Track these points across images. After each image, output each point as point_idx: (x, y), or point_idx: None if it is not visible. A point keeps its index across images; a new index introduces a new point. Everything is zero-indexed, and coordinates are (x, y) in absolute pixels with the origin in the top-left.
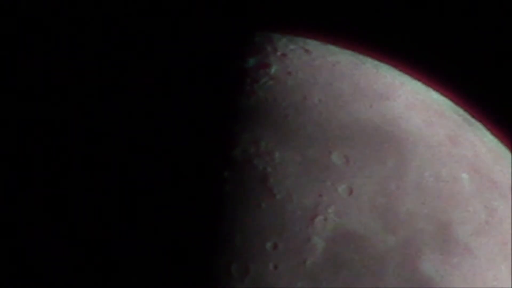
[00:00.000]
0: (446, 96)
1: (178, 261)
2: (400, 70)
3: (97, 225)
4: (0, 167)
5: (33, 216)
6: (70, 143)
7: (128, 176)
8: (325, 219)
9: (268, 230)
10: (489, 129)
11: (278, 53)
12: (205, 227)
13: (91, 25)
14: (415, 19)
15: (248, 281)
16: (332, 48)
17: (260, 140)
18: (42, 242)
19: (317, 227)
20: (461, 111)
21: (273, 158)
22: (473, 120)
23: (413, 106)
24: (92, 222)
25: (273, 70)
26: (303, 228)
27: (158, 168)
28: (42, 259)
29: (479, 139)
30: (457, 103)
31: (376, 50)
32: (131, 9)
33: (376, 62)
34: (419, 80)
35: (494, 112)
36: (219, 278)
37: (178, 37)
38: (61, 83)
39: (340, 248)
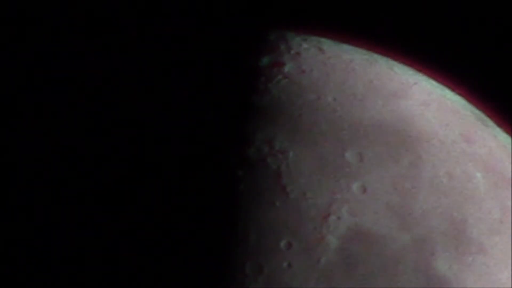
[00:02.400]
0: (460, 94)
1: (192, 259)
2: (414, 69)
3: (110, 223)
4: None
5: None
6: (84, 141)
7: (141, 176)
8: (339, 218)
9: (282, 228)
10: (503, 128)
11: (292, 52)
12: (219, 226)
13: (107, 23)
14: (429, 17)
15: (262, 280)
16: (346, 47)
17: (274, 139)
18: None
19: (331, 225)
20: (475, 109)
21: (287, 156)
22: (487, 119)
23: (427, 104)
24: (105, 220)
25: (287, 68)
26: (317, 226)
27: (172, 167)
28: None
29: (493, 138)
30: (471, 102)
31: (390, 48)
32: (144, 6)
33: (390, 61)
34: (433, 78)
35: (508, 111)
36: (233, 276)
37: (192, 35)
38: (84, 79)
39: (354, 246)
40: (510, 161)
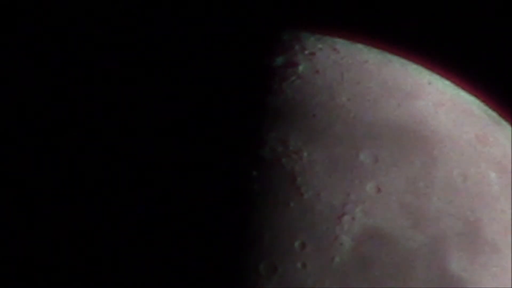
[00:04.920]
0: (474, 95)
1: (207, 259)
2: (428, 69)
3: (125, 224)
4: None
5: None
6: (100, 146)
7: (155, 176)
8: (353, 218)
9: (296, 229)
10: None
11: (306, 52)
12: (234, 226)
13: (119, 22)
14: (443, 18)
15: (276, 280)
16: (360, 47)
17: (288, 139)
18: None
19: (345, 226)
20: (489, 110)
21: (301, 157)
22: (501, 119)
23: (441, 105)
24: (120, 221)
25: (301, 69)
26: (331, 227)
27: (186, 167)
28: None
29: (507, 138)
30: (485, 102)
31: (404, 48)
32: (157, 5)
33: (404, 61)
34: (447, 78)
35: None
36: (248, 276)
37: (206, 35)
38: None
39: (368, 247)
40: None
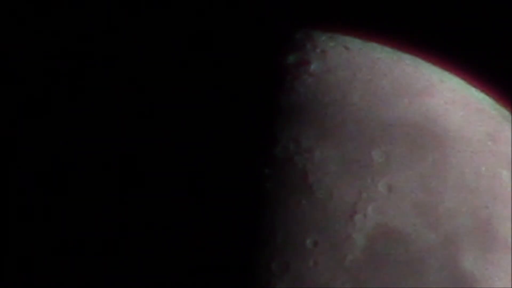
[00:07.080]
0: (486, 93)
1: (219, 258)
2: (440, 67)
3: (138, 223)
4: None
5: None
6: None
7: (168, 175)
8: (365, 216)
9: (308, 227)
10: None
11: (318, 50)
12: (246, 225)
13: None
14: (455, 16)
15: (288, 278)
16: (372, 45)
17: (300, 137)
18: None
19: (357, 224)
20: (501, 108)
21: (313, 155)
22: None
23: (453, 103)
24: (135, 221)
25: (313, 67)
26: (343, 225)
27: (198, 166)
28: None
29: None
30: (497, 101)
31: (415, 47)
32: (171, 6)
33: (416, 59)
34: (459, 77)
35: None
36: (260, 275)
37: (218, 34)
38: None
39: (380, 245)
40: None
